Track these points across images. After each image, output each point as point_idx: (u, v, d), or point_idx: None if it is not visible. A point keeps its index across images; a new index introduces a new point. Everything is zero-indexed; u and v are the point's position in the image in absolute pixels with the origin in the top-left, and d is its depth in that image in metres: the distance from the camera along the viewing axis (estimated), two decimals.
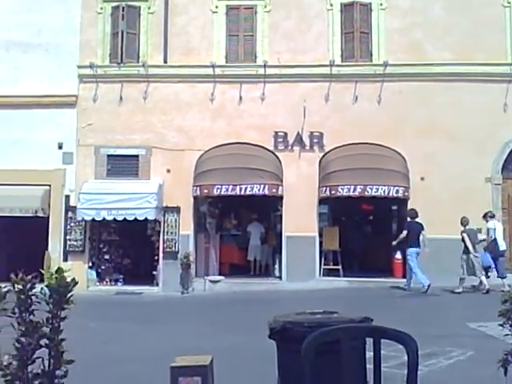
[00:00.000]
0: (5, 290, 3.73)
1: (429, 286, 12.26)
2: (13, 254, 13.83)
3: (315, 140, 14.59)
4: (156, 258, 14.75)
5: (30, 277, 3.72)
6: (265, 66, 14.65)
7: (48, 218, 14.70)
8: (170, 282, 14.17)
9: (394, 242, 13.18)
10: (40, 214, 14.45)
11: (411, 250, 12.82)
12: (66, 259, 14.32)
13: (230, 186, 14.05)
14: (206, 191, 14.32)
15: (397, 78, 14.41)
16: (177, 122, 14.85)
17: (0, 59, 15.08)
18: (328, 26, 14.83)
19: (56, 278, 3.65)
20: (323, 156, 14.56)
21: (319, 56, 14.63)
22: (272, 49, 14.84)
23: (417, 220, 13.06)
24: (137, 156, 14.89)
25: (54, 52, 15.02)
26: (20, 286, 3.65)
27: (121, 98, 14.96)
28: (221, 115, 14.80)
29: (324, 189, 14.08)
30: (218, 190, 14.14)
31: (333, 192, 13.89)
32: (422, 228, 12.92)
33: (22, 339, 3.62)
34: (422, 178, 14.12)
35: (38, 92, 14.68)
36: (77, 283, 3.77)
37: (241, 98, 14.78)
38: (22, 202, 14.34)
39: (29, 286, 3.69)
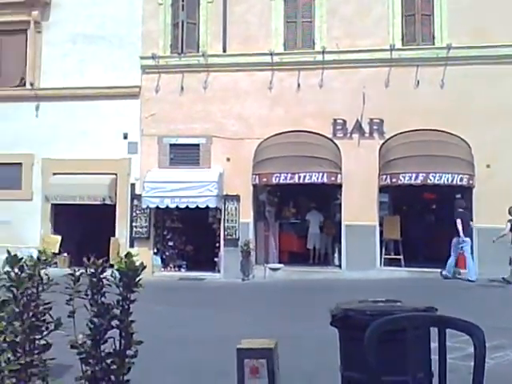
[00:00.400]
0: (78, 273, 3.93)
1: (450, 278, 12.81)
2: (82, 239, 14.50)
3: (375, 127, 14.35)
4: (217, 244, 15.03)
5: (100, 261, 3.91)
6: (323, 52, 14.52)
7: (115, 205, 15.26)
8: (231, 268, 14.41)
9: (463, 237, 12.97)
10: (107, 202, 15.09)
11: (460, 240, 12.87)
12: (132, 245, 14.80)
13: (289, 175, 14.07)
14: (264, 179, 14.41)
15: (460, 61, 13.91)
16: (236, 111, 14.98)
17: (67, 52, 15.69)
18: (388, 9, 14.49)
19: (125, 262, 3.82)
20: (383, 143, 14.31)
21: (379, 40, 14.34)
22: (330, 34, 14.67)
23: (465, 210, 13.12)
24: (198, 145, 15.15)
25: (117, 44, 15.46)
26: (92, 270, 3.84)
27: (182, 88, 15.22)
28: (279, 103, 14.80)
29: (384, 177, 13.85)
30: (277, 179, 14.20)
31: (394, 180, 13.65)
32: (471, 218, 13.05)
33: (95, 320, 3.81)
34: (488, 166, 13.62)
35: (103, 83, 15.22)
36: (145, 267, 3.91)
37: (299, 85, 14.72)
38: (91, 191, 15.00)
39: (100, 269, 3.88)
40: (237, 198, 14.79)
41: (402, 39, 14.47)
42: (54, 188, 15.29)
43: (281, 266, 14.83)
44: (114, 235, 15.07)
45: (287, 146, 14.37)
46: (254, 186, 14.78)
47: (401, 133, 14.15)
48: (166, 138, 15.26)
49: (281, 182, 14.22)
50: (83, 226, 15.11)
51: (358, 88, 14.13)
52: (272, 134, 14.74)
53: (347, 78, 14.46)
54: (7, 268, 3.73)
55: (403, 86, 14.18)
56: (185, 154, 15.20)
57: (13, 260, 3.70)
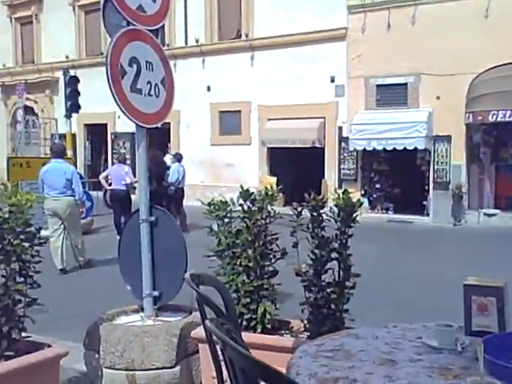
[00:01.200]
0: (299, 208, 4.27)
1: None
2: (294, 180, 15.38)
3: None
4: (426, 187, 14.66)
5: (320, 197, 4.18)
6: None
7: (324, 148, 15.81)
8: (441, 212, 13.95)
9: None
10: (317, 145, 15.68)
11: None
12: (340, 187, 15.18)
13: (508, 112, 12.89)
14: (479, 118, 13.40)
15: None
16: (446, 45, 13.95)
17: (277, 1, 16.26)
18: None
19: (343, 198, 4.04)
20: None
21: None
22: None
23: None
24: (405, 84, 14.71)
25: None
26: (313, 204, 4.14)
27: (388, 26, 14.76)
28: (498, 32, 13.35)
29: None
30: (494, 117, 13.10)
31: None
32: None
33: (316, 251, 4.13)
34: None
35: (311, 28, 15.51)
36: (362, 204, 4.09)
37: None
38: (301, 134, 15.70)
39: (320, 204, 4.16)
40: (448, 138, 14.09)
41: None
42: (269, 133, 16.40)
43: (497, 211, 13.87)
44: (323, 177, 15.69)
45: (508, 80, 13.07)
46: (467, 125, 13.87)
47: None
48: (372, 79, 15.08)
49: (499, 120, 13.10)
50: (295, 168, 16.03)
51: None
52: (489, 67, 13.53)
53: None
54: (241, 201, 4.24)
55: None
56: (392, 95, 14.89)
57: (245, 194, 4.19)
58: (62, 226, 8.22)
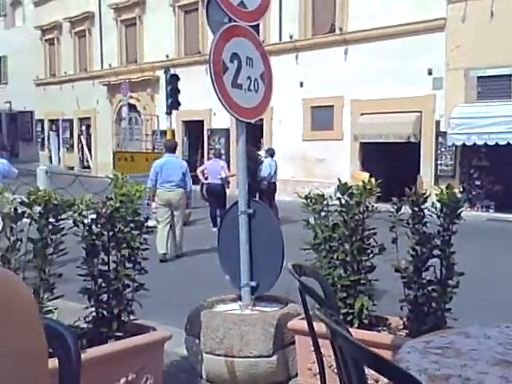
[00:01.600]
0: (399, 203, 4.16)
1: None
2: (388, 176, 14.98)
3: None
4: None
5: (423, 191, 4.06)
6: None
7: (419, 143, 15.30)
8: None
9: None
10: (412, 140, 15.17)
11: None
12: (436, 183, 14.66)
13: None
14: None
15: None
16: None
17: None
18: None
19: (447, 193, 3.89)
20: None
21: None
22: None
23: None
24: (509, 76, 13.93)
25: None
26: (413, 199, 4.02)
27: (491, 14, 13.97)
28: None
29: None
30: None
31: None
32: None
33: (417, 247, 4.01)
34: None
35: (407, 20, 15.04)
36: (466, 200, 3.93)
37: None
38: (396, 129, 15.27)
39: (421, 199, 4.04)
40: None
41: None
42: (362, 127, 16.12)
43: None
44: (418, 173, 15.20)
45: None
46: None
47: None
48: (473, 71, 14.36)
49: None
50: (388, 164, 15.60)
51: None
52: None
53: None
54: (338, 195, 4.21)
55: None
56: (494, 87, 14.15)
57: (343, 188, 4.15)
58: (170, 217, 8.63)
